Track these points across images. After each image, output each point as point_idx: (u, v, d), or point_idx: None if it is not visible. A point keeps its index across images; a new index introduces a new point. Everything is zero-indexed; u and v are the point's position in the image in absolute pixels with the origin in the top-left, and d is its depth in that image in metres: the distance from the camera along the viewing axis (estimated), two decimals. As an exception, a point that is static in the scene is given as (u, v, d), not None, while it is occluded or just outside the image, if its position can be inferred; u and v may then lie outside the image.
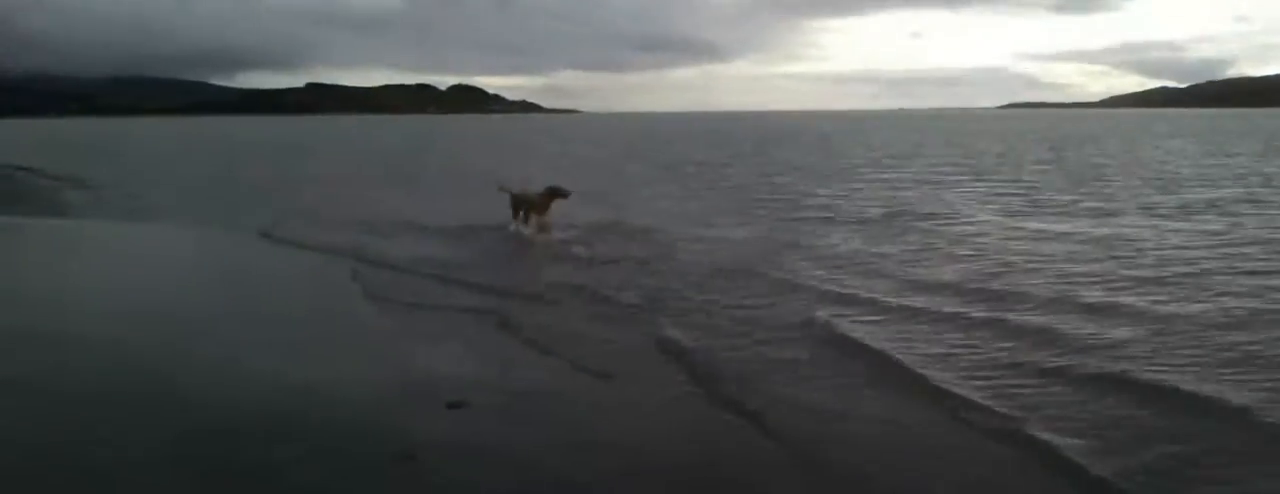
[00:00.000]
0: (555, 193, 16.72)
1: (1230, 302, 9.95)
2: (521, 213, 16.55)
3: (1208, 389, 6.94)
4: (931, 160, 39.27)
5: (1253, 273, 11.75)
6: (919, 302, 10.22)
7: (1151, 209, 19.33)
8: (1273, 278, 11.41)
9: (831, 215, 18.76)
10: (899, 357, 7.94)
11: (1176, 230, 15.81)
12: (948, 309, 9.83)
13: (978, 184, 26.19)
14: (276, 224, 17.93)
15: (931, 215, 18.78)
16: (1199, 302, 9.99)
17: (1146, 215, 18.27)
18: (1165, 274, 11.60)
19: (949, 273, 12.03)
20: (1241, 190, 23.02)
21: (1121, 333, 8.69)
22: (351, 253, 14.17)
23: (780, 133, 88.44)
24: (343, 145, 69.93)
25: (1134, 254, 13.23)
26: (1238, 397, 6.74)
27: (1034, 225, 16.84)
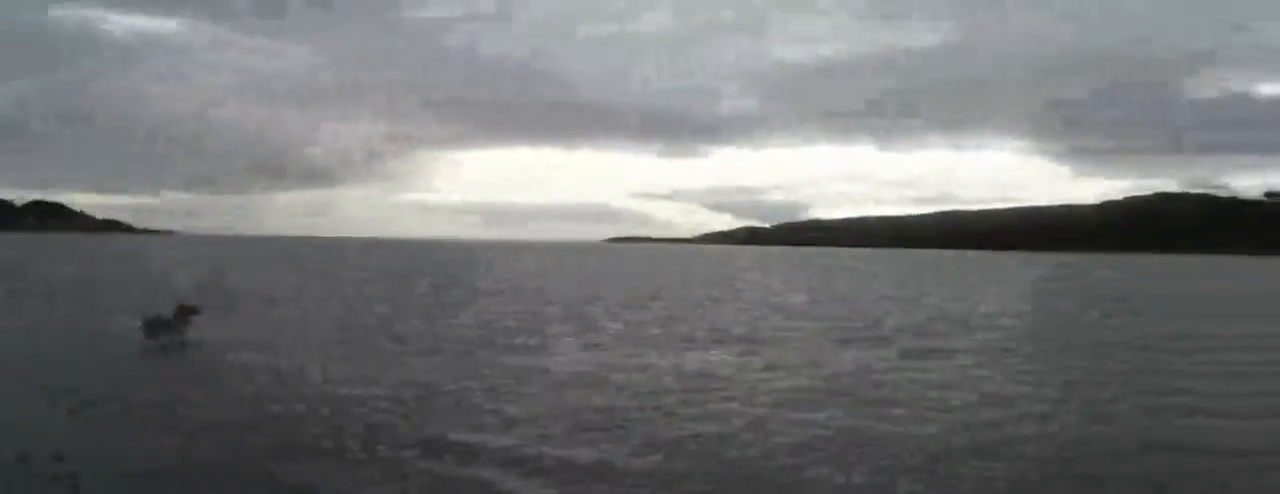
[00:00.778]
0: (187, 309, 19.02)
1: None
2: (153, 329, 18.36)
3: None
4: (535, 289, 40.36)
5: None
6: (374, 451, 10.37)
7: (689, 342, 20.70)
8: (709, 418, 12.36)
9: (404, 348, 18.91)
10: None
11: (670, 367, 16.84)
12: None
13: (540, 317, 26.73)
14: None
15: (505, 348, 19.69)
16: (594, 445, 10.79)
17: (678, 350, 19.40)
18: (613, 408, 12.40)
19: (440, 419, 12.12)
20: (745, 329, 24.91)
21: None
22: None
23: (390, 260, 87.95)
24: None
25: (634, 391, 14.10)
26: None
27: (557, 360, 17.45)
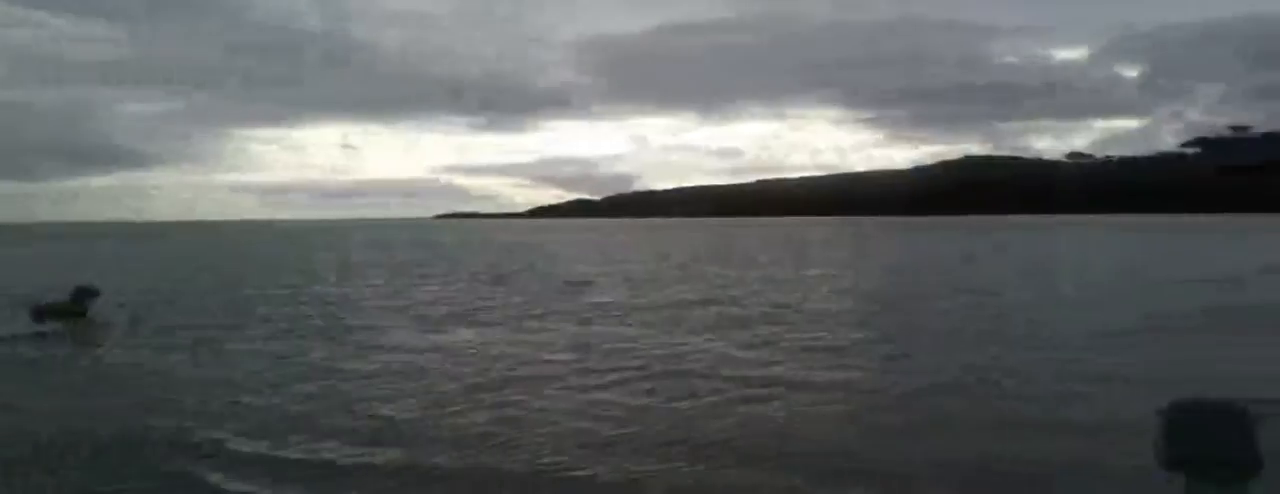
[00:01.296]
0: (87, 292, 19.36)
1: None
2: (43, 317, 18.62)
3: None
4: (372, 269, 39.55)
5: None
6: None
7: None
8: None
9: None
10: None
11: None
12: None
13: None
14: None
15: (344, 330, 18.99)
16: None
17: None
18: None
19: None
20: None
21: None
22: None
23: (205, 245, 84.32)
24: None
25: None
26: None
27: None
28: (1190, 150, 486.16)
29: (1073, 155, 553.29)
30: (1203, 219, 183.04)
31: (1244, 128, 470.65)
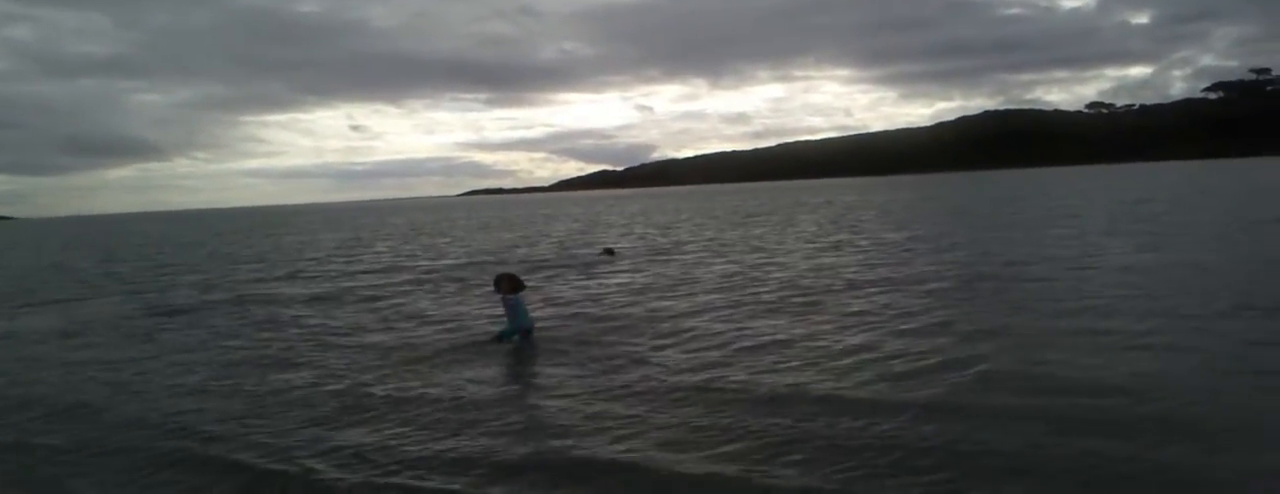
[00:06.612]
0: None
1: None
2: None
3: None
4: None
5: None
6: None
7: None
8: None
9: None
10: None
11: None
12: None
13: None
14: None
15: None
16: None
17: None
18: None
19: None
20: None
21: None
22: None
23: (226, 229, 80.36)
24: None
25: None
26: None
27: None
28: (1212, 95, 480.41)
29: (1093, 105, 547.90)
30: (1239, 162, 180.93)
31: (1265, 70, 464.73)
